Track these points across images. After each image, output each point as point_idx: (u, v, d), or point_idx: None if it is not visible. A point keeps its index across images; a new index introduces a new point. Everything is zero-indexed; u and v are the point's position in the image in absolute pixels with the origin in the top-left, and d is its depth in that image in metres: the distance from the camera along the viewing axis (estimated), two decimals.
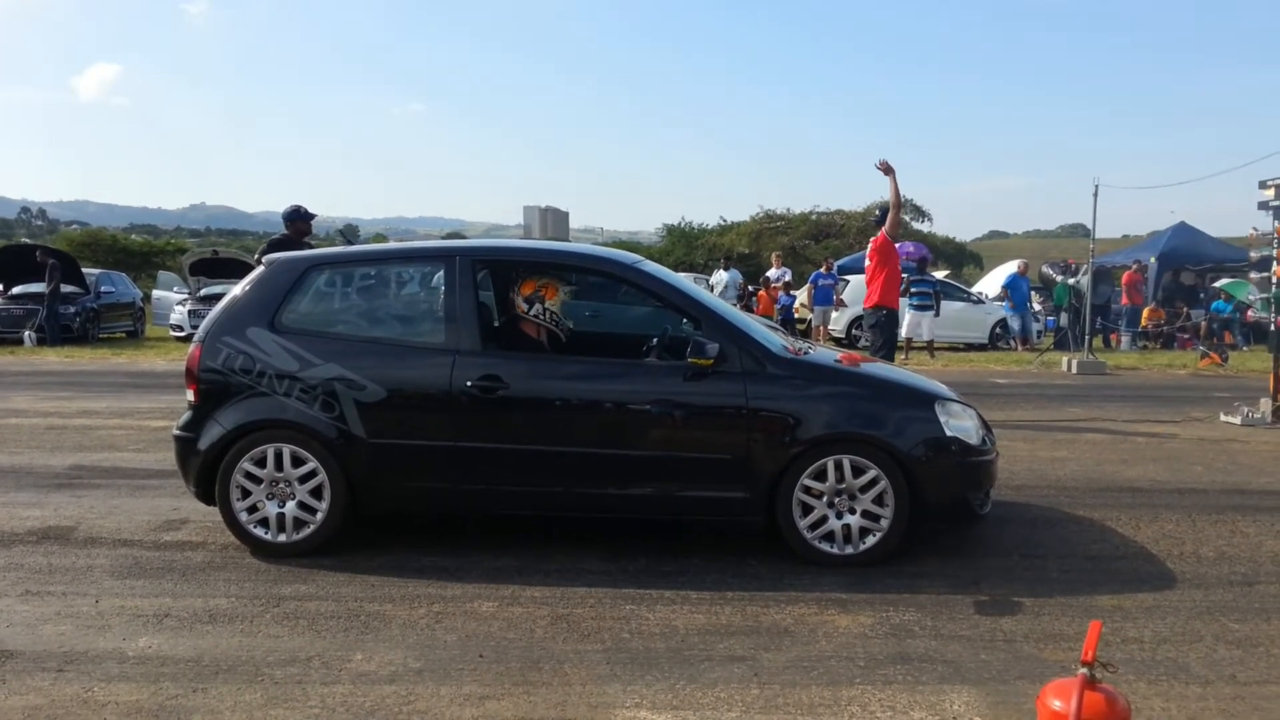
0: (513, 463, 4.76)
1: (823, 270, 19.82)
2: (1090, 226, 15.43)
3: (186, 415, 4.94)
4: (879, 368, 5.68)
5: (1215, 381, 13.58)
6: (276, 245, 7.48)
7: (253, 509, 4.79)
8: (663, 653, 3.69)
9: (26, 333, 17.98)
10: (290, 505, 4.77)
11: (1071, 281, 19.86)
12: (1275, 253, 9.64)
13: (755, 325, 5.36)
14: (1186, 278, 23.19)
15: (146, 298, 23.41)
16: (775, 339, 5.24)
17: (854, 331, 18.78)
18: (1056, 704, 2.44)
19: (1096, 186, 14.75)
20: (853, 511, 4.66)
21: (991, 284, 24.24)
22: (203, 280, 20.76)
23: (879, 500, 4.64)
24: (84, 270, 20.61)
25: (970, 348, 19.13)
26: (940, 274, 23.31)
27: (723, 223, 45.46)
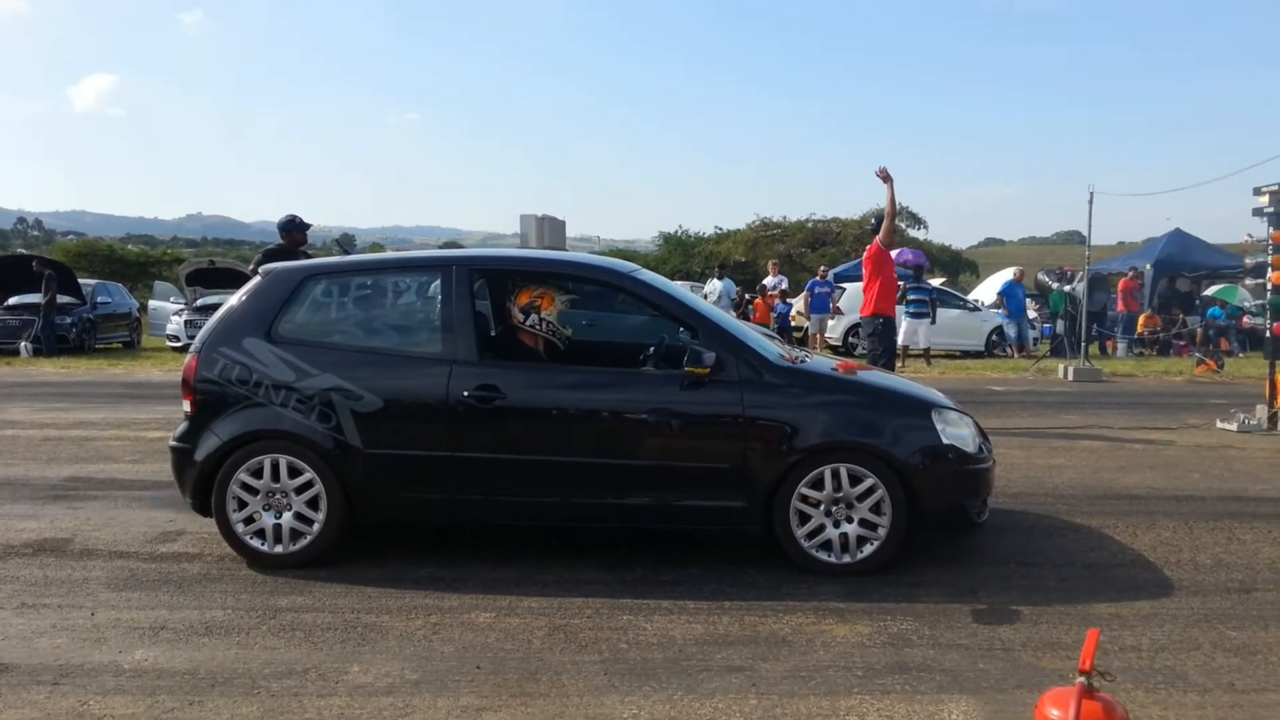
0: (510, 473, 4.76)
1: (819, 278, 19.84)
2: (1086, 233, 15.47)
3: (183, 426, 4.93)
4: (875, 376, 5.68)
5: (1211, 388, 13.60)
6: (272, 255, 7.47)
7: (249, 520, 4.77)
8: (660, 663, 3.69)
9: (22, 343, 17.95)
10: (287, 516, 4.75)
11: (1067, 288, 19.89)
12: (1270, 259, 9.67)
13: (752, 334, 5.37)
14: (1182, 284, 23.27)
15: (143, 308, 23.38)
16: (772, 347, 5.24)
17: (850, 339, 18.80)
18: (1055, 713, 2.44)
19: (1092, 193, 14.82)
20: (850, 520, 4.66)
21: (987, 291, 24.29)
22: (199, 290, 20.74)
23: (876, 509, 4.64)
24: (80, 281, 20.59)
25: (966, 355, 19.15)
26: (936, 281, 23.34)
27: (719, 231, 45.54)
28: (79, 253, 38.59)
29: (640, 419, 4.74)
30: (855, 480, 4.63)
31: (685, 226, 47.49)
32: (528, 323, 5.18)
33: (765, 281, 20.15)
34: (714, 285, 20.11)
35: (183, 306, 20.45)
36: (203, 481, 4.80)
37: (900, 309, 14.29)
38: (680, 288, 5.87)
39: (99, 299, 20.52)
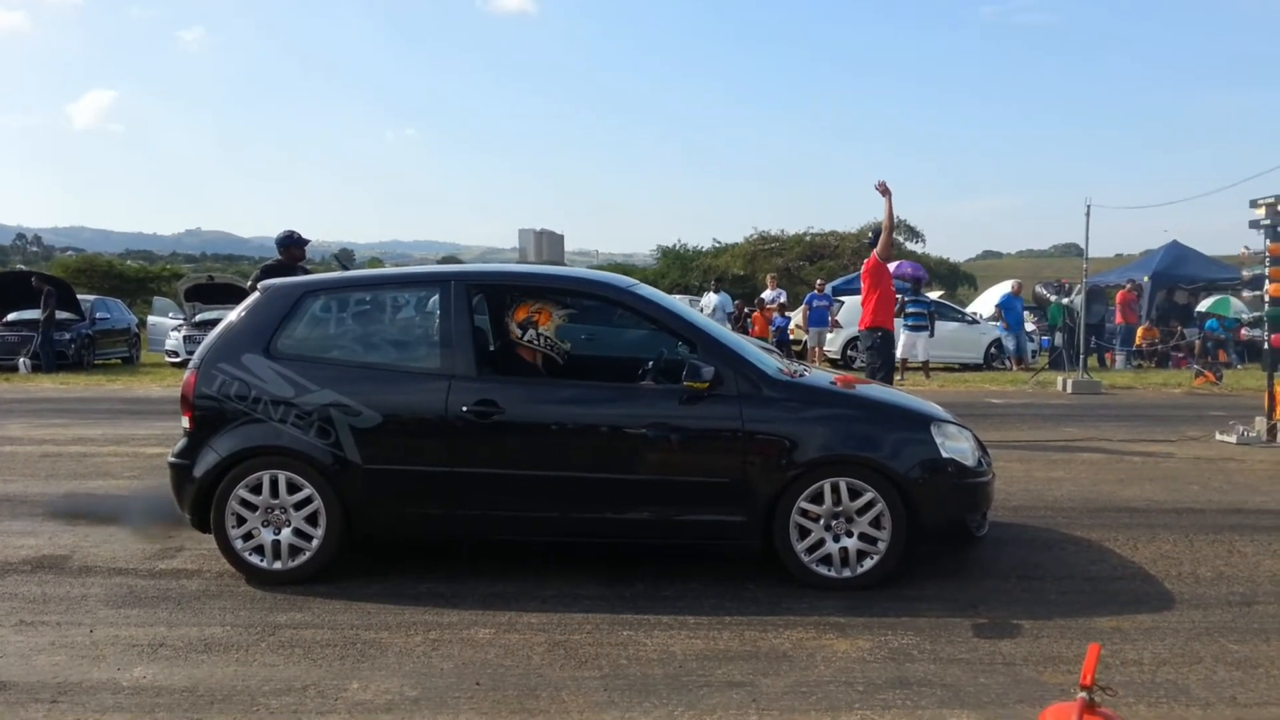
0: (509, 488, 4.75)
1: (817, 291, 19.87)
2: (1083, 246, 15.50)
3: (182, 442, 4.92)
4: (874, 389, 5.68)
5: (1210, 400, 13.60)
6: (270, 271, 7.47)
7: (248, 536, 4.76)
8: (660, 679, 3.67)
9: (21, 359, 17.94)
10: (286, 532, 4.75)
11: (1065, 301, 19.93)
12: (1268, 270, 9.69)
13: (750, 348, 5.37)
14: (1180, 296, 23.31)
15: (142, 323, 23.40)
16: (770, 361, 5.24)
17: (849, 352, 18.80)
18: None
19: (1089, 206, 14.84)
20: (850, 534, 4.65)
21: (986, 304, 24.33)
22: (198, 306, 20.78)
23: (876, 523, 4.63)
24: (79, 296, 20.59)
25: (965, 368, 19.16)
26: (934, 294, 23.38)
27: (717, 244, 45.60)
28: (78, 268, 38.63)
29: (639, 434, 4.74)
30: (855, 494, 4.63)
31: (683, 240, 47.59)
32: (526, 338, 5.19)
33: (763, 295, 20.19)
34: (710, 299, 20.15)
35: (181, 322, 20.49)
36: (202, 498, 4.79)
37: (899, 322, 14.29)
38: (677, 301, 5.88)
39: (98, 315, 20.53)
